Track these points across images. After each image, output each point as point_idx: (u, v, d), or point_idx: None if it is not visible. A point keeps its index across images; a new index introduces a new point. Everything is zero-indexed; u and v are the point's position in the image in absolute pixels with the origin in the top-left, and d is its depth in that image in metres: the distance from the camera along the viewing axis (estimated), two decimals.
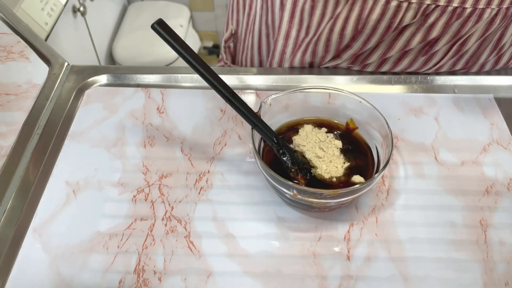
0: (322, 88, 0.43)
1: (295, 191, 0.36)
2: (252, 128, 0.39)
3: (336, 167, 0.39)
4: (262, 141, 0.42)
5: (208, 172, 0.45)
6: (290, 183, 0.35)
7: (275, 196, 0.43)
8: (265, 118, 0.40)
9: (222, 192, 0.43)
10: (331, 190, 0.36)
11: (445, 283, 0.37)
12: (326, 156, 0.40)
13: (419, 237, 0.40)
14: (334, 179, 0.39)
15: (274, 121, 0.43)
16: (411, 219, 0.41)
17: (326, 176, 0.39)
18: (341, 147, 0.41)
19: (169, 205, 0.42)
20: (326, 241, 0.40)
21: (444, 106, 0.51)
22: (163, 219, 0.41)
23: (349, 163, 0.40)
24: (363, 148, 0.42)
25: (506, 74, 0.54)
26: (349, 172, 0.40)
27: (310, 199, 0.37)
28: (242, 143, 0.47)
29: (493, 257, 0.38)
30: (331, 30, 0.51)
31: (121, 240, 0.40)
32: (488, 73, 0.55)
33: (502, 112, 0.50)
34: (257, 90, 0.53)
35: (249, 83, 0.55)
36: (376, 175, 0.36)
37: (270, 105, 0.41)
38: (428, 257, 0.39)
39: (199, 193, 0.43)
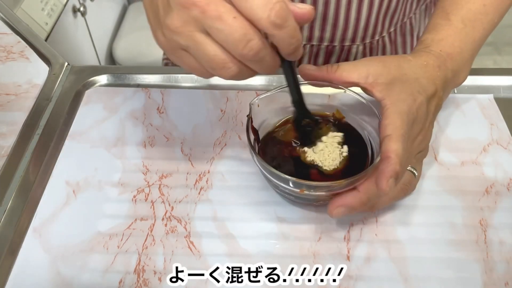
0: (315, 85, 0.42)
1: (291, 185, 0.36)
2: (247, 126, 0.39)
3: (333, 159, 0.40)
4: (256, 142, 0.42)
5: (208, 172, 0.45)
6: (287, 177, 0.35)
7: (275, 196, 0.43)
8: (257, 119, 0.41)
9: (222, 192, 0.43)
10: (332, 182, 0.35)
11: (445, 283, 0.37)
12: (325, 149, 0.40)
13: (419, 237, 0.40)
14: (329, 169, 0.39)
15: (267, 119, 0.43)
16: (411, 219, 0.41)
17: (325, 167, 0.39)
18: (340, 140, 0.41)
19: (169, 205, 0.42)
20: (326, 241, 0.40)
21: (444, 106, 0.51)
22: (163, 219, 0.41)
23: (346, 154, 0.40)
24: (358, 139, 0.42)
25: (506, 74, 0.54)
26: (348, 163, 0.40)
27: (317, 193, 0.37)
28: (242, 143, 0.47)
29: (493, 257, 0.38)
30: None
31: (121, 240, 0.40)
32: (488, 73, 0.55)
33: (502, 112, 0.50)
34: (257, 90, 0.53)
35: (249, 83, 0.55)
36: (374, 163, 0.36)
37: (258, 106, 0.41)
38: (428, 257, 0.39)
39: (199, 193, 0.43)
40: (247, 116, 0.39)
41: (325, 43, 0.60)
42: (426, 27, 0.46)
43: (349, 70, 0.39)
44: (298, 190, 0.37)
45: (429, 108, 0.39)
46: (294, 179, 0.35)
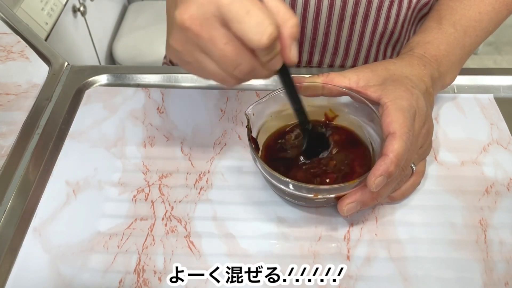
0: (309, 96, 0.42)
1: (303, 191, 0.36)
2: (248, 137, 0.39)
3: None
4: (256, 150, 0.42)
5: (208, 172, 0.45)
6: (302, 184, 0.35)
7: (275, 196, 0.43)
8: (256, 124, 0.41)
9: (222, 192, 0.43)
10: (345, 183, 0.36)
11: (445, 283, 0.37)
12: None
13: (419, 237, 0.40)
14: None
15: (266, 123, 0.43)
16: (411, 219, 0.41)
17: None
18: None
19: (169, 205, 0.42)
20: (326, 241, 0.40)
21: (444, 106, 0.51)
22: (163, 219, 0.41)
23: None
24: (360, 139, 0.43)
25: (506, 74, 0.54)
26: (351, 165, 0.40)
27: (330, 196, 0.37)
28: (242, 143, 0.47)
29: (493, 257, 0.38)
30: None
31: (121, 240, 0.40)
32: (488, 73, 0.55)
33: (502, 112, 0.50)
34: (256, 90, 0.53)
35: (249, 83, 0.55)
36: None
37: (254, 114, 0.41)
38: (428, 257, 0.39)
39: (199, 193, 0.43)
40: (246, 126, 0.39)
41: (324, 66, 0.61)
42: (419, 29, 0.47)
43: (339, 77, 0.40)
44: (311, 195, 0.37)
45: (425, 102, 0.39)
46: (307, 185, 0.35)
